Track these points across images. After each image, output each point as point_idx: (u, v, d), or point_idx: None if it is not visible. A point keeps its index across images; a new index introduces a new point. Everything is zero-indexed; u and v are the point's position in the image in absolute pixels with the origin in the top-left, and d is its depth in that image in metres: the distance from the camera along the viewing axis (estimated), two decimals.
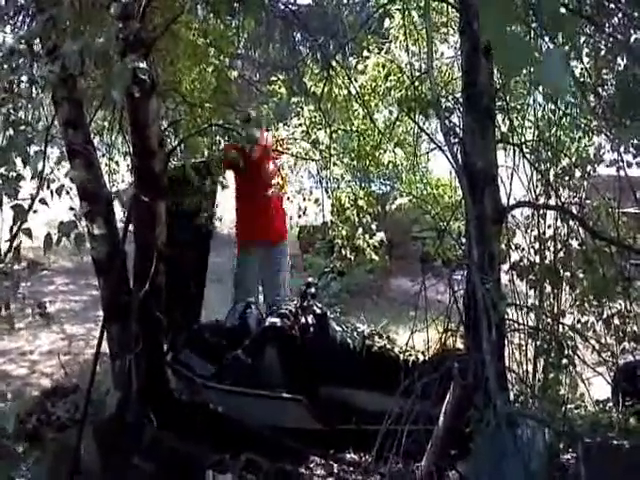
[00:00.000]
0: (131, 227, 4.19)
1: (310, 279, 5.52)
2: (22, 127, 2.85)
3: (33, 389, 5.40)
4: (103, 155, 5.23)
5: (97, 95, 4.48)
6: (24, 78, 2.91)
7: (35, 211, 3.01)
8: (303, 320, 4.80)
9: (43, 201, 2.94)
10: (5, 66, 2.80)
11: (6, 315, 3.06)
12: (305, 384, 4.59)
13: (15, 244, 3.03)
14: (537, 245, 4.40)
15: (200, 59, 5.09)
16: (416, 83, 4.44)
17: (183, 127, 5.28)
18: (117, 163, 5.86)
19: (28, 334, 6.66)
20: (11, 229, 2.94)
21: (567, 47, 3.39)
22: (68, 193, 3.26)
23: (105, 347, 4.13)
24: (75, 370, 5.49)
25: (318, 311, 4.91)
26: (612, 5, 4.01)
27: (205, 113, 5.18)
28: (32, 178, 2.91)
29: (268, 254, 6.12)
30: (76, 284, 9.10)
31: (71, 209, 3.07)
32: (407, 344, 3.94)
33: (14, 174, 2.83)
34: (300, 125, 5.44)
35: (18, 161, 2.86)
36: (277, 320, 4.80)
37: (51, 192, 2.96)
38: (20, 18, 5.68)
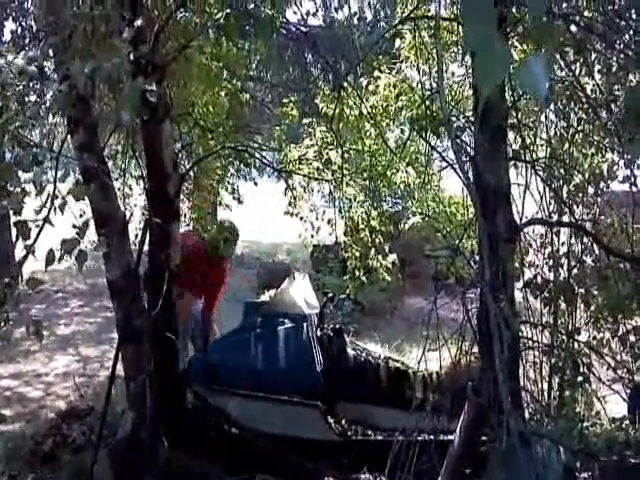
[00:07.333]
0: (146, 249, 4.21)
1: (330, 294, 5.55)
2: (29, 147, 2.86)
3: (48, 411, 5.42)
4: (117, 179, 5.26)
5: (111, 119, 4.53)
6: (32, 98, 2.92)
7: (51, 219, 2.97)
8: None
9: (48, 220, 2.93)
10: (14, 87, 2.81)
11: (3, 331, 3.07)
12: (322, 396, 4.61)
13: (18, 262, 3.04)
14: (551, 262, 4.38)
15: (213, 82, 5.14)
16: (427, 102, 4.45)
17: (196, 150, 5.32)
18: (130, 187, 5.90)
19: (43, 356, 6.69)
20: (13, 246, 2.93)
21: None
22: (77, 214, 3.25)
23: (120, 369, 4.14)
24: (90, 392, 5.50)
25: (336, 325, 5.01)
26: (623, 22, 4.01)
27: (218, 136, 5.22)
28: (37, 195, 2.91)
29: None
30: (90, 306, 9.16)
31: (74, 227, 3.07)
32: (419, 363, 3.93)
33: (19, 190, 2.84)
34: (312, 145, 5.46)
35: (23, 177, 2.86)
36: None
37: (55, 209, 2.96)
38: (29, 41, 5.73)
